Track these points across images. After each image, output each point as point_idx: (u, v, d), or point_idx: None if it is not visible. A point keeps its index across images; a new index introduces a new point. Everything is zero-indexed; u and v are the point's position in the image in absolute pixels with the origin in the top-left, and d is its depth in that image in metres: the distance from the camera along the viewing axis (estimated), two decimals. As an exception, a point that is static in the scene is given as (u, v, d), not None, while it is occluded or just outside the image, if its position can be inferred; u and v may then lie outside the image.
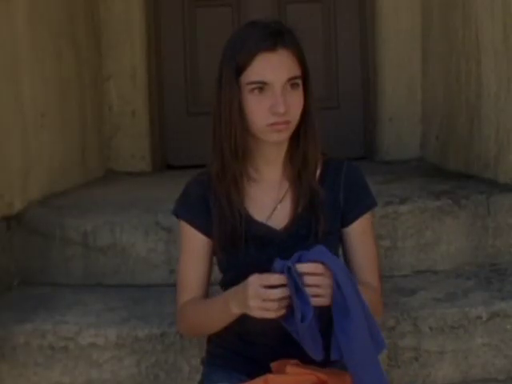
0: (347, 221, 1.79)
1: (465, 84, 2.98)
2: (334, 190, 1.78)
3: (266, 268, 1.72)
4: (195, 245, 1.81)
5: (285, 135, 1.72)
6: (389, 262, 2.45)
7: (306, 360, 1.65)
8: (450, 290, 2.31)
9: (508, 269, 2.48)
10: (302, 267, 1.56)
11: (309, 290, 1.55)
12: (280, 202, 1.77)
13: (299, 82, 1.70)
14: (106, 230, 2.53)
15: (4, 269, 2.50)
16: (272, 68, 1.67)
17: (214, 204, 1.77)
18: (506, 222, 2.54)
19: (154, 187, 3.25)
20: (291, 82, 1.68)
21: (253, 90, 1.68)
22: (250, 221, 1.75)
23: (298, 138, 1.75)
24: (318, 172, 1.79)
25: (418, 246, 2.49)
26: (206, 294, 1.84)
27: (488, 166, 2.78)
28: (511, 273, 2.45)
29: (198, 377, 1.92)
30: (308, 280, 1.55)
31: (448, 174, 3.05)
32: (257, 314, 1.58)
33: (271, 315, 1.57)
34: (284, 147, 1.77)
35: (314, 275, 1.56)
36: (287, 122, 1.69)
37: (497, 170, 2.72)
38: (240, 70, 1.68)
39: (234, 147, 1.71)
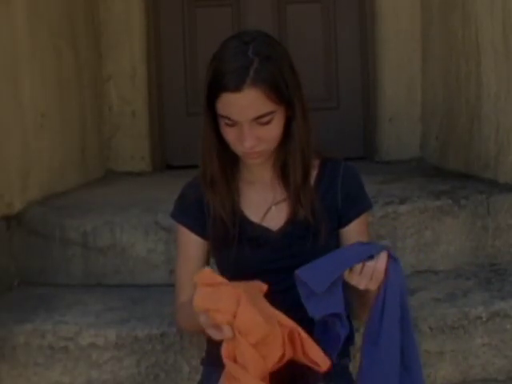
0: (344, 222, 1.79)
1: (464, 84, 2.98)
2: (331, 190, 1.77)
3: (260, 268, 1.72)
4: (191, 247, 1.82)
5: (259, 161, 1.72)
6: (389, 262, 2.45)
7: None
8: (450, 290, 2.31)
9: (508, 269, 2.48)
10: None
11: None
12: (275, 203, 1.77)
13: (270, 116, 1.64)
14: (105, 230, 2.53)
15: (4, 269, 2.50)
16: (236, 109, 1.62)
17: (208, 205, 1.77)
18: (505, 222, 2.55)
19: (153, 187, 3.25)
20: (260, 120, 1.64)
21: (224, 121, 1.66)
22: (244, 221, 1.75)
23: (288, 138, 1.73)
24: (315, 172, 1.78)
25: (418, 246, 2.49)
26: None
27: (488, 166, 2.78)
28: (511, 273, 2.45)
29: (198, 377, 1.93)
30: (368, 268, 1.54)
31: (448, 174, 3.05)
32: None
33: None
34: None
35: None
36: (259, 152, 1.68)
37: (497, 170, 2.72)
38: (212, 99, 1.66)
39: (203, 171, 1.74)
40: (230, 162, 1.76)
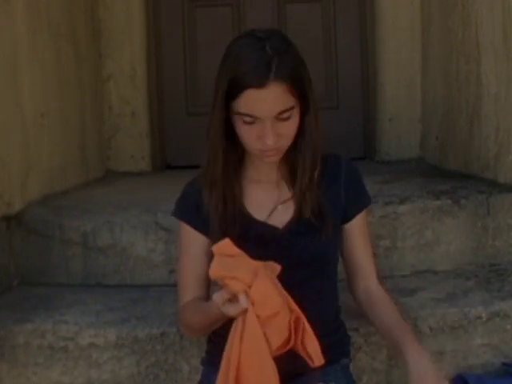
0: (347, 217, 1.80)
1: (464, 84, 2.98)
2: (334, 186, 1.78)
3: None
4: (194, 246, 1.82)
5: (276, 158, 1.71)
6: (388, 262, 2.45)
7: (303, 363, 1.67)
8: (450, 290, 2.30)
9: (508, 269, 2.48)
10: None
11: None
12: (281, 202, 1.77)
13: (290, 112, 1.65)
14: (105, 230, 2.53)
15: (3, 269, 2.49)
16: (261, 104, 1.61)
17: (212, 204, 1.77)
18: (505, 222, 2.54)
19: (153, 187, 3.25)
20: (282, 116, 1.64)
21: (242, 119, 1.65)
22: (249, 220, 1.75)
23: (295, 142, 1.73)
24: (318, 169, 1.78)
25: (418, 246, 2.48)
26: (207, 294, 1.83)
27: (488, 166, 2.78)
28: (511, 273, 2.45)
29: (198, 377, 1.93)
30: None
31: (448, 174, 3.05)
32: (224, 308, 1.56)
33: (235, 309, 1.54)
34: None
35: None
36: (277, 149, 1.68)
37: (496, 169, 2.72)
38: (230, 97, 1.64)
39: (206, 171, 1.73)
40: (234, 162, 1.76)
